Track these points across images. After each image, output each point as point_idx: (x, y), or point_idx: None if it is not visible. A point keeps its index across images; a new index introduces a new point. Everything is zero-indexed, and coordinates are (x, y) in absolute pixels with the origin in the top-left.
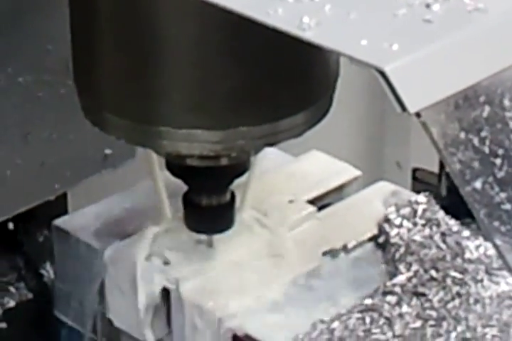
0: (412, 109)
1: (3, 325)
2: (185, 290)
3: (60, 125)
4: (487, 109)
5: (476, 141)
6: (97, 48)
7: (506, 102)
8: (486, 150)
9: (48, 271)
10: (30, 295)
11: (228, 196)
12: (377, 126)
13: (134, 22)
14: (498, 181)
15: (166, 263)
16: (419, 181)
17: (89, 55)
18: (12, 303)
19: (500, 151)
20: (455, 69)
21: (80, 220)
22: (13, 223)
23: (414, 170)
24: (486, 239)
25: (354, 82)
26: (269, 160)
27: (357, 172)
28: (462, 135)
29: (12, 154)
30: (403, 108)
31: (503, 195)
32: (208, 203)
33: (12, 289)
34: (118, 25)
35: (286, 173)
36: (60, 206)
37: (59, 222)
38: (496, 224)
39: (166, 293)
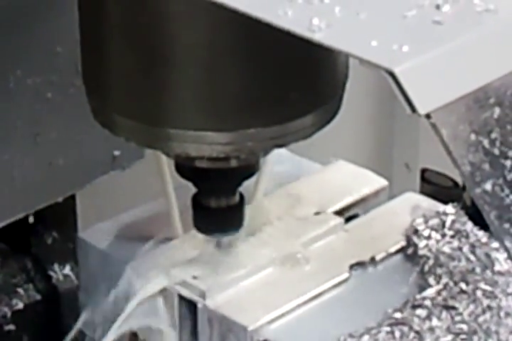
0: (422, 110)
1: (12, 326)
2: (213, 304)
3: (69, 126)
4: (497, 110)
5: (486, 143)
6: (106, 49)
7: None
8: (496, 152)
9: (57, 273)
10: (38, 297)
11: (237, 198)
12: (386, 127)
13: (143, 23)
14: (509, 183)
15: (193, 276)
16: (427, 182)
17: (98, 56)
18: (20, 305)
19: (511, 153)
20: (465, 70)
21: (104, 232)
22: (21, 224)
23: (423, 171)
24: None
25: (362, 83)
26: (294, 169)
27: (384, 182)
28: (472, 137)
29: (21, 155)
30: (413, 109)
31: None
32: (217, 205)
33: (20, 291)
34: (127, 26)
35: (313, 184)
36: (68, 207)
37: (83, 234)
38: (507, 226)
39: (192, 306)
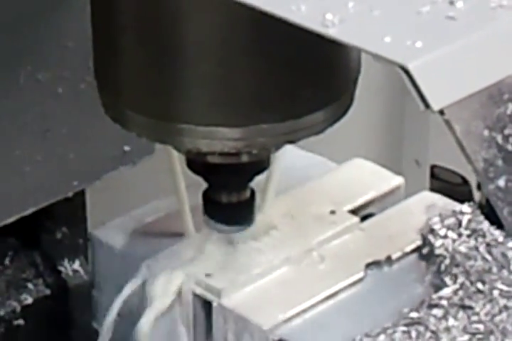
0: (435, 106)
1: (21, 321)
2: (229, 303)
3: (79, 121)
4: (511, 106)
5: (499, 139)
6: (118, 44)
7: None
8: (510, 147)
9: (66, 268)
10: (47, 292)
11: (248, 193)
12: (396, 123)
13: (156, 18)
14: None
15: (208, 274)
16: (437, 179)
17: (110, 52)
18: (30, 300)
19: None
20: (479, 66)
21: (116, 229)
22: (31, 219)
23: (432, 168)
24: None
25: (373, 79)
26: (310, 167)
27: (400, 180)
28: (486, 133)
29: (31, 151)
30: (427, 105)
31: None
32: (228, 200)
33: (30, 285)
34: (140, 21)
35: (328, 182)
36: (78, 202)
37: (96, 232)
38: None
39: (207, 305)
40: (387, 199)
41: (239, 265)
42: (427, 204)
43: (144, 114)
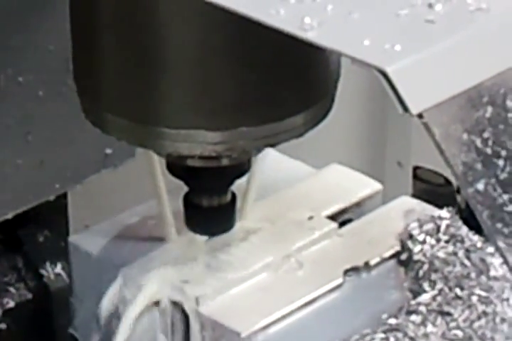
0: (414, 110)
1: (3, 325)
2: (206, 310)
3: (61, 124)
4: (490, 109)
5: (478, 142)
6: (97, 47)
7: (509, 103)
8: (489, 151)
9: (48, 272)
10: (29, 296)
11: (229, 197)
12: (378, 125)
13: (134, 21)
14: (501, 183)
15: (185, 281)
16: (420, 180)
17: (89, 55)
18: (11, 304)
19: (503, 153)
20: (458, 69)
21: (95, 236)
22: (13, 223)
23: (415, 169)
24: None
25: (354, 82)
26: (288, 172)
27: (378, 186)
28: (465, 136)
29: (12, 153)
30: (405, 109)
31: (505, 196)
32: (209, 204)
33: (12, 289)
34: (118, 24)
35: (306, 187)
36: (60, 206)
37: (74, 238)
38: (499, 225)
39: (184, 312)
40: (365, 205)
41: (216, 271)
42: (406, 210)
43: (124, 118)
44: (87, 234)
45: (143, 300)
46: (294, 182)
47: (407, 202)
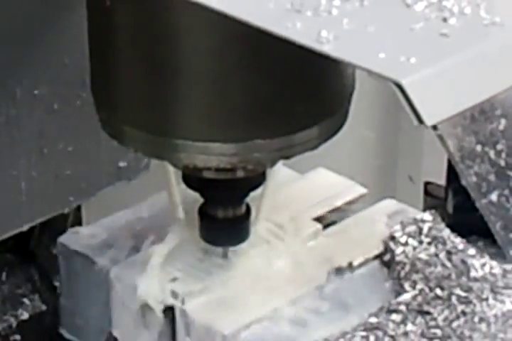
0: (429, 122)
1: (18, 337)
2: (191, 308)
3: (75, 137)
4: (503, 122)
5: (492, 154)
6: (114, 60)
7: None
8: (502, 163)
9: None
10: (43, 307)
11: (244, 208)
12: (390, 139)
13: (152, 34)
14: None
15: (174, 279)
16: (430, 195)
17: (107, 67)
18: (26, 315)
19: None
20: (472, 82)
21: (85, 237)
22: (28, 235)
23: (426, 184)
24: (491, 258)
25: (367, 96)
26: (274, 176)
27: (362, 190)
28: (478, 148)
29: (28, 166)
30: (420, 121)
31: None
32: (224, 215)
33: (26, 301)
34: (136, 37)
35: (292, 191)
36: (74, 218)
37: (64, 238)
38: None
39: (170, 310)
40: (351, 208)
41: (203, 271)
42: (390, 212)
43: (141, 130)
44: (76, 235)
45: (135, 298)
46: (280, 186)
47: (391, 204)
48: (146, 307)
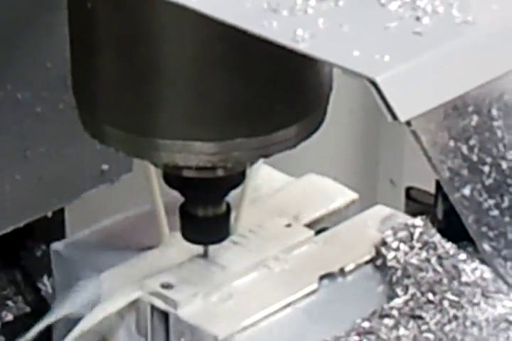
0: (402, 117)
1: (2, 338)
2: (184, 314)
3: (58, 140)
4: (475, 118)
5: (464, 149)
6: (94, 60)
7: (494, 112)
8: (475, 158)
9: (46, 285)
10: (28, 309)
11: (224, 207)
12: (372, 143)
13: (131, 34)
14: (486, 188)
15: (165, 286)
16: (413, 200)
17: (87, 68)
18: (10, 317)
19: (489, 159)
20: (444, 79)
21: (78, 243)
22: (11, 237)
23: (408, 189)
24: (482, 262)
25: (347, 100)
26: (266, 181)
27: (354, 195)
28: (451, 143)
29: (11, 169)
30: (394, 117)
31: (491, 201)
32: (204, 214)
33: (10, 303)
34: (115, 37)
35: (284, 196)
36: (57, 221)
37: (57, 245)
38: (484, 229)
39: (164, 316)
40: (342, 214)
41: (196, 276)
42: (381, 218)
43: (121, 129)
44: (69, 242)
45: (117, 302)
46: (272, 191)
47: (382, 210)
48: (137, 313)
